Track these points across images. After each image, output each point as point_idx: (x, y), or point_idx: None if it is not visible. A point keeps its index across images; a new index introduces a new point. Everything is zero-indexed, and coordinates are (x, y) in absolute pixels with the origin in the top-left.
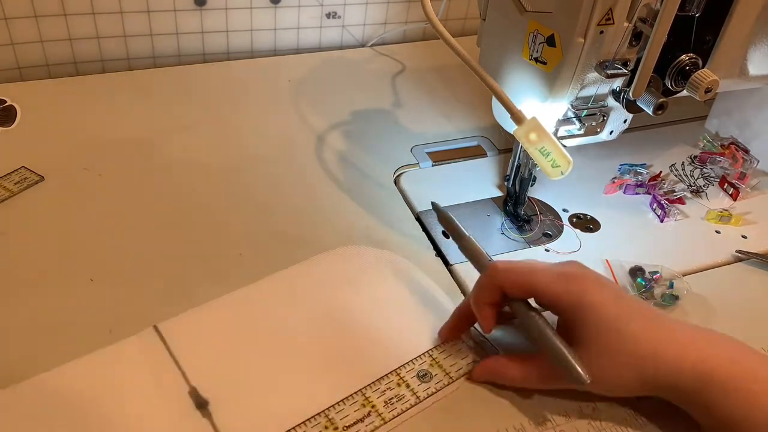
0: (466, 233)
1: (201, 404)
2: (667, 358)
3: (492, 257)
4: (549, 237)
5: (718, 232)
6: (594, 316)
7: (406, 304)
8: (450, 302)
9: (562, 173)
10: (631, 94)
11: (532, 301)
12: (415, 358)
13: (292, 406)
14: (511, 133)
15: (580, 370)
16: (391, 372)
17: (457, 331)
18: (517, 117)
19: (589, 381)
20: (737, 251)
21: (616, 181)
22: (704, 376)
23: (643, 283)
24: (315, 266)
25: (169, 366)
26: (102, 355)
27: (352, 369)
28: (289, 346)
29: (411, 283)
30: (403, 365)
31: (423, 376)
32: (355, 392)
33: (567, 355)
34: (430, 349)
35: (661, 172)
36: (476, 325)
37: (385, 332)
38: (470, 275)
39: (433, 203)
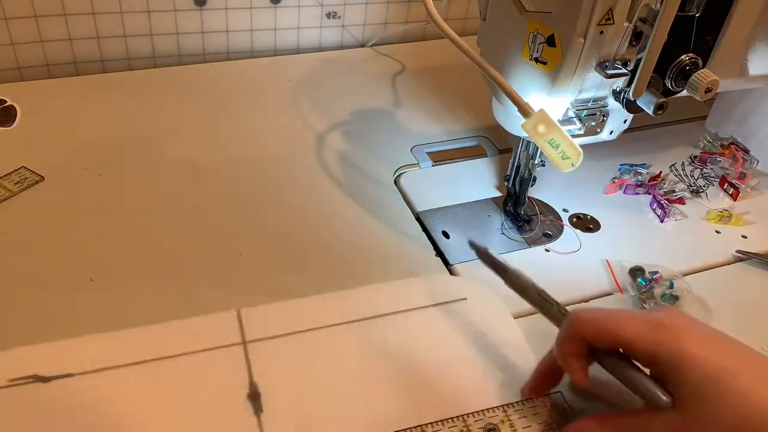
0: (524, 277)
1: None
2: None
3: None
4: (549, 237)
5: (718, 232)
6: (691, 370)
7: (490, 353)
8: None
9: (572, 165)
10: (631, 94)
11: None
12: (487, 410)
13: (345, 423)
14: (512, 132)
15: (658, 392)
16: (457, 417)
17: (538, 390)
18: (524, 110)
19: (669, 403)
20: (737, 251)
21: (616, 181)
22: None
23: (643, 283)
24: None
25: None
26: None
27: (419, 403)
28: (359, 367)
29: (499, 331)
30: (471, 413)
31: (490, 431)
32: (416, 426)
33: (644, 380)
34: (505, 405)
35: (661, 172)
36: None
37: (462, 376)
38: (470, 275)
39: (470, 242)
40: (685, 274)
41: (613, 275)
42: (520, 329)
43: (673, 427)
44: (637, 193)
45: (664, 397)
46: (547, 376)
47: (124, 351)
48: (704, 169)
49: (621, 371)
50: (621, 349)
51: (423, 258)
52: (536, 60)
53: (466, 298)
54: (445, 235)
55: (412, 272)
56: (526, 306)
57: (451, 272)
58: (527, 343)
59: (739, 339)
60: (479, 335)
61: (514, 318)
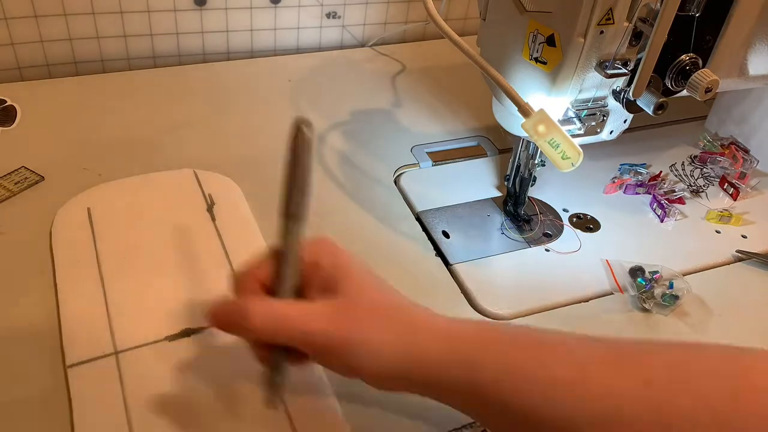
0: None
1: None
2: (420, 320)
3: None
4: (549, 237)
5: (718, 232)
6: (346, 268)
7: None
8: None
9: (572, 165)
10: (631, 94)
11: None
12: None
13: None
14: (512, 132)
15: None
16: None
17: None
18: (524, 110)
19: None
20: (737, 251)
21: (616, 181)
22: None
23: (643, 283)
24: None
25: None
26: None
27: None
28: None
29: None
30: None
31: None
32: None
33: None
34: None
35: (661, 172)
36: None
37: None
38: (470, 275)
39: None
40: (685, 274)
41: (613, 275)
42: None
43: (337, 310)
44: (637, 193)
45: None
46: None
47: None
48: (704, 169)
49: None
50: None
51: (423, 258)
52: (536, 60)
53: None
54: (445, 235)
55: (411, 272)
56: (526, 306)
57: (451, 272)
58: None
59: (739, 339)
60: None
61: (513, 318)
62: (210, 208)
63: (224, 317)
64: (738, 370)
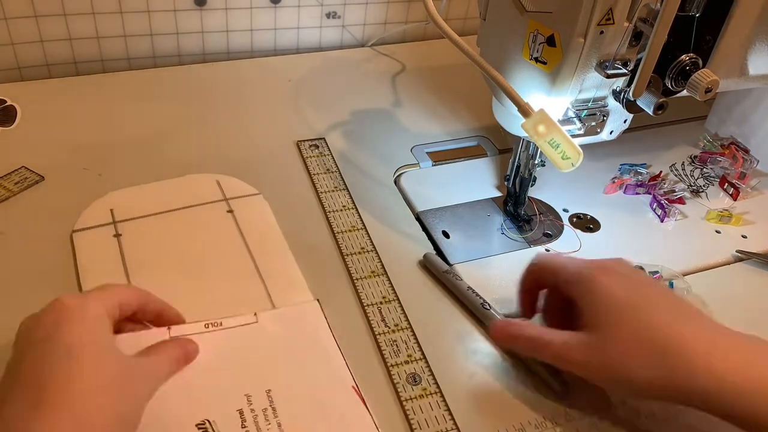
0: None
1: None
2: (696, 358)
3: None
4: (549, 237)
5: (718, 232)
6: (605, 299)
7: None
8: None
9: (572, 165)
10: (631, 94)
11: None
12: None
13: None
14: (512, 132)
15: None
16: None
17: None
18: (524, 110)
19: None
20: (737, 251)
21: (616, 181)
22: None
23: None
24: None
25: None
26: None
27: None
28: None
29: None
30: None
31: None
32: None
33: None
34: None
35: (661, 172)
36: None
37: None
38: (471, 275)
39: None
40: (685, 274)
41: None
42: None
43: (591, 347)
44: (637, 193)
45: (557, 385)
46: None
47: None
48: (704, 169)
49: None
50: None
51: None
52: (536, 60)
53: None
54: (445, 235)
55: (411, 272)
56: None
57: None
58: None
59: None
60: None
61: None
62: (231, 211)
63: (502, 333)
64: None
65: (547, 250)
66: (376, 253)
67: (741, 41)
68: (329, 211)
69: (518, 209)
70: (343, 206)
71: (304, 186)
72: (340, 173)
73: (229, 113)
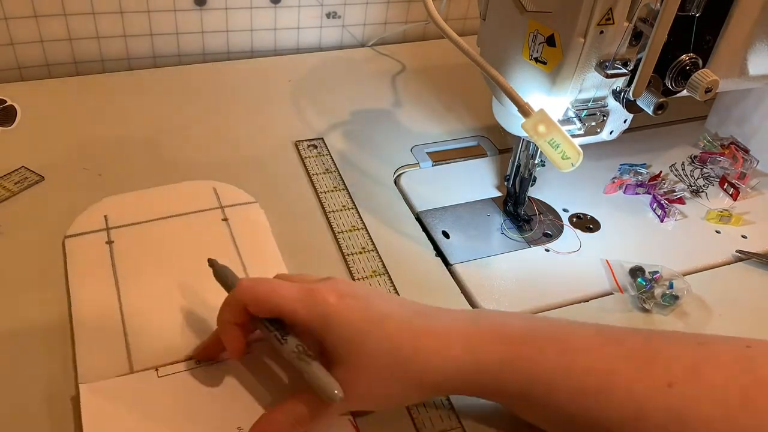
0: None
1: None
2: (429, 353)
3: None
4: (549, 237)
5: (718, 232)
6: (338, 332)
7: None
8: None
9: (572, 165)
10: (631, 94)
11: None
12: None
13: None
14: (512, 132)
15: (330, 386)
16: None
17: (207, 354)
18: (524, 110)
19: (340, 397)
20: (737, 251)
21: (616, 181)
22: (480, 363)
23: (643, 283)
24: None
25: None
26: None
27: None
28: None
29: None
30: None
31: None
32: None
33: (314, 372)
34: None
35: (661, 172)
36: None
37: None
38: (470, 275)
39: (209, 259)
40: (685, 274)
41: (613, 275)
42: None
43: (347, 382)
44: (637, 193)
45: (335, 391)
46: (218, 341)
47: None
48: (704, 169)
49: (292, 362)
50: (280, 317)
51: (423, 258)
52: (536, 60)
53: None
54: (445, 235)
55: (411, 272)
56: (526, 306)
57: (451, 272)
58: None
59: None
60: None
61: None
62: (226, 219)
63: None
64: (746, 366)
65: (547, 251)
66: (377, 252)
67: (741, 41)
68: (329, 211)
69: (518, 209)
70: (343, 206)
71: (304, 186)
72: (339, 173)
73: (229, 113)
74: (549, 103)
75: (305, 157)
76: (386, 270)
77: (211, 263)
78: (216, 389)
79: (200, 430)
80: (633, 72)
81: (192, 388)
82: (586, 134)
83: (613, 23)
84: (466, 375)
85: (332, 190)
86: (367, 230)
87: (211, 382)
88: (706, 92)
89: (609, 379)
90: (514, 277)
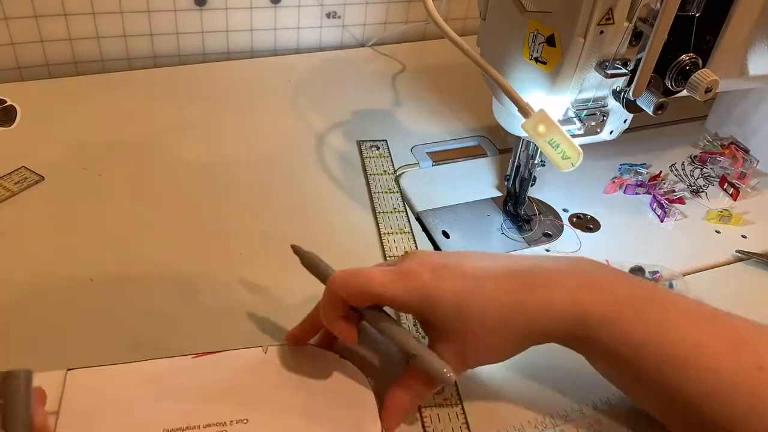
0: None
1: None
2: (532, 307)
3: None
4: (549, 237)
5: (718, 232)
6: (442, 306)
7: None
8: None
9: (572, 165)
10: (631, 94)
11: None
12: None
13: None
14: (512, 132)
15: (442, 371)
16: None
17: (304, 337)
18: (524, 110)
19: (453, 380)
20: (737, 251)
21: (616, 181)
22: (583, 315)
23: None
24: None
25: None
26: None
27: None
28: None
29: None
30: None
31: None
32: None
33: (426, 358)
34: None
35: (661, 172)
36: None
37: None
38: None
39: (292, 246)
40: (685, 274)
41: None
42: None
43: (458, 352)
44: (637, 193)
45: (448, 374)
46: (312, 325)
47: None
48: (704, 169)
49: (403, 348)
50: (379, 304)
51: None
52: (536, 60)
53: None
54: (445, 235)
55: None
56: None
57: None
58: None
59: None
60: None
61: None
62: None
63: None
64: None
65: (547, 251)
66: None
67: (741, 41)
68: None
69: (518, 209)
70: None
71: (304, 185)
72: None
73: (229, 113)
74: (549, 103)
75: None
76: None
77: (296, 250)
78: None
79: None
80: (633, 72)
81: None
82: (586, 134)
83: (613, 23)
84: (568, 327)
85: None
86: (365, 231)
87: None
88: (706, 92)
89: (699, 352)
90: None
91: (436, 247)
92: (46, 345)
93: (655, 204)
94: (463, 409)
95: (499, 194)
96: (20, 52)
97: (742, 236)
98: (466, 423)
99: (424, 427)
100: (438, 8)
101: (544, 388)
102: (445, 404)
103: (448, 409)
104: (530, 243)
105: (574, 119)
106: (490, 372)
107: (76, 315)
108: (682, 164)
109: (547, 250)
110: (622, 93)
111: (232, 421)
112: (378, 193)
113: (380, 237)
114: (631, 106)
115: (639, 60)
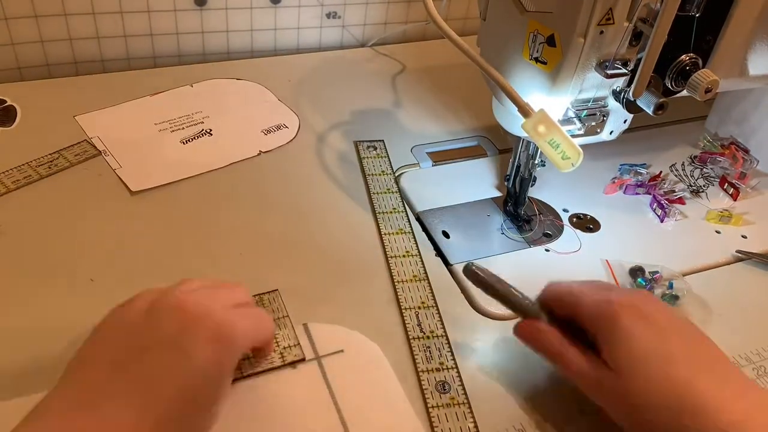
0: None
1: None
2: (703, 415)
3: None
4: (549, 237)
5: (718, 232)
6: (620, 348)
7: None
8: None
9: (572, 165)
10: (631, 94)
11: None
12: None
13: None
14: (512, 132)
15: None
16: None
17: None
18: (524, 110)
19: None
20: (737, 251)
21: (616, 181)
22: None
23: (643, 283)
24: None
25: None
26: None
27: None
28: None
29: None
30: None
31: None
32: None
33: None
34: None
35: (661, 172)
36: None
37: None
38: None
39: (466, 268)
40: (685, 274)
41: (613, 275)
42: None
43: (616, 389)
44: (637, 193)
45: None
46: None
47: None
48: (704, 169)
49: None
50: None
51: (423, 258)
52: (536, 60)
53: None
54: (445, 235)
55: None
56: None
57: (451, 272)
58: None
59: (739, 339)
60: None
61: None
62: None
63: (524, 332)
64: None
65: (547, 251)
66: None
67: (741, 41)
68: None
69: (518, 209)
70: None
71: (304, 185)
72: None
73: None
74: (549, 103)
75: None
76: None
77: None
78: None
79: None
80: (633, 72)
81: None
82: (586, 134)
83: (613, 23)
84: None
85: None
86: (365, 231)
87: None
88: (706, 92)
89: None
90: (514, 277)
91: (436, 247)
92: (45, 345)
93: (655, 204)
94: (470, 408)
95: (499, 194)
96: (20, 52)
97: (742, 236)
98: (474, 422)
99: (432, 426)
100: (438, 8)
101: (551, 388)
102: (452, 403)
103: (455, 409)
104: (530, 243)
105: (574, 119)
106: (498, 371)
107: (76, 315)
108: (682, 164)
109: (547, 250)
110: (622, 93)
111: None
112: (377, 193)
113: (381, 237)
114: (631, 106)
115: (639, 60)
